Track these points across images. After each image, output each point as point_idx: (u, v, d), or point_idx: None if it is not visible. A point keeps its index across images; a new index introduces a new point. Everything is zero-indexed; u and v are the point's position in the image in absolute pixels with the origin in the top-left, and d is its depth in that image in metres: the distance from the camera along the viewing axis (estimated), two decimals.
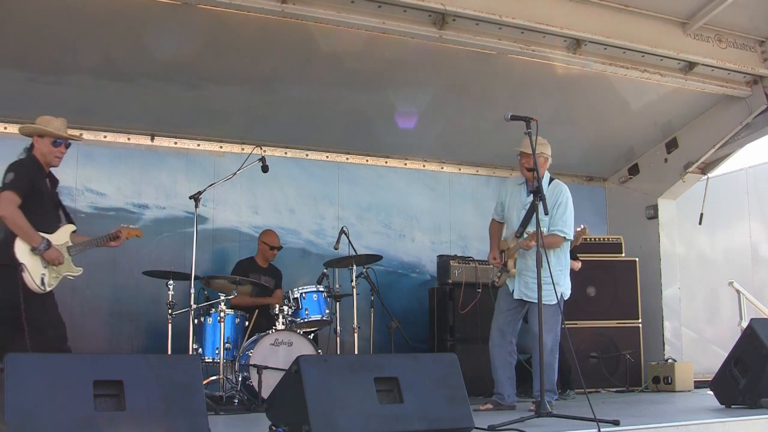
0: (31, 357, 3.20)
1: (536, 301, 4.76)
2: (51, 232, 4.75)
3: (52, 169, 5.00)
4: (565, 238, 5.34)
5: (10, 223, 4.56)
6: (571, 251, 5.66)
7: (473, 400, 4.05)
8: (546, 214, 4.80)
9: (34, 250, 4.57)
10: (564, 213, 5.35)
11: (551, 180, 5.49)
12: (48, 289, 4.66)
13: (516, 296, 5.38)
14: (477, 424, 3.80)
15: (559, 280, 5.29)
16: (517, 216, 5.43)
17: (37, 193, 4.70)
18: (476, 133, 7.67)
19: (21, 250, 4.57)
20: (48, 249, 4.62)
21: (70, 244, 4.88)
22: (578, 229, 6.04)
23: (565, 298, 5.46)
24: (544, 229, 5.08)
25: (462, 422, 3.70)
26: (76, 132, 6.70)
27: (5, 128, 6.55)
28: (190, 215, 6.15)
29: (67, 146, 4.93)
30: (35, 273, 4.59)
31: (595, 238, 7.69)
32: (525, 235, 5.24)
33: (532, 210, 5.11)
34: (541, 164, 5.24)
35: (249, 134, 7.20)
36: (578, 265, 6.79)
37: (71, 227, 4.95)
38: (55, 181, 4.99)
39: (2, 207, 4.56)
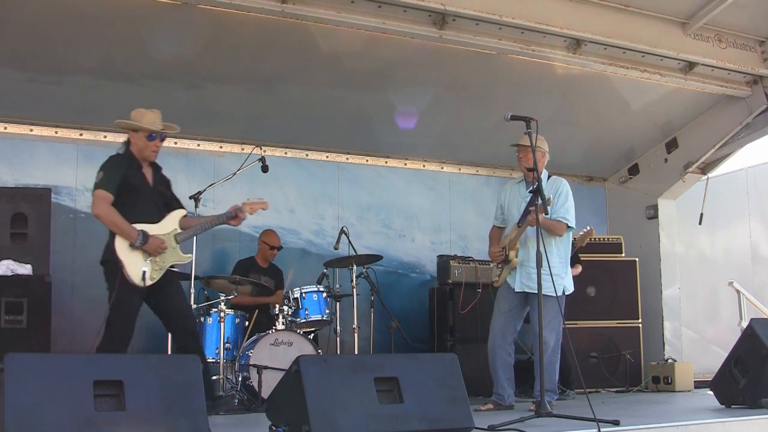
0: (31, 357, 3.19)
1: (535, 291, 4.74)
2: (155, 222, 4.69)
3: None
4: (567, 225, 5.33)
5: (106, 221, 4.57)
6: (572, 255, 5.65)
7: (473, 400, 4.05)
8: (546, 214, 4.82)
9: (131, 245, 4.54)
10: (566, 202, 5.37)
11: (549, 177, 5.51)
12: (150, 282, 4.59)
13: (518, 289, 5.33)
14: (477, 424, 3.80)
15: (560, 272, 5.29)
16: (518, 210, 5.43)
17: (131, 187, 4.65)
18: (476, 133, 7.67)
19: (120, 247, 4.55)
20: (146, 242, 4.56)
21: (179, 230, 4.79)
22: (583, 231, 6.03)
23: (567, 293, 5.43)
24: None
25: (462, 422, 3.70)
26: (75, 132, 6.79)
27: (5, 128, 6.56)
28: (191, 215, 6.15)
29: (163, 139, 4.84)
30: (135, 268, 4.55)
31: (595, 238, 7.67)
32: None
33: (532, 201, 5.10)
34: (538, 160, 5.25)
35: (249, 134, 7.20)
36: (579, 269, 6.78)
37: (180, 212, 4.87)
38: (157, 168, 4.92)
39: (96, 206, 4.58)
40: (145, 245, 4.55)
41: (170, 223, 4.78)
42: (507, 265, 5.42)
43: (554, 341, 5.26)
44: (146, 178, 4.80)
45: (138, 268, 4.55)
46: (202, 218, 5.03)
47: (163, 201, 4.86)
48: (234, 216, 4.94)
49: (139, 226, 4.59)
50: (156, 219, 4.72)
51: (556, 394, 5.41)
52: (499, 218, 5.68)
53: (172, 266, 4.72)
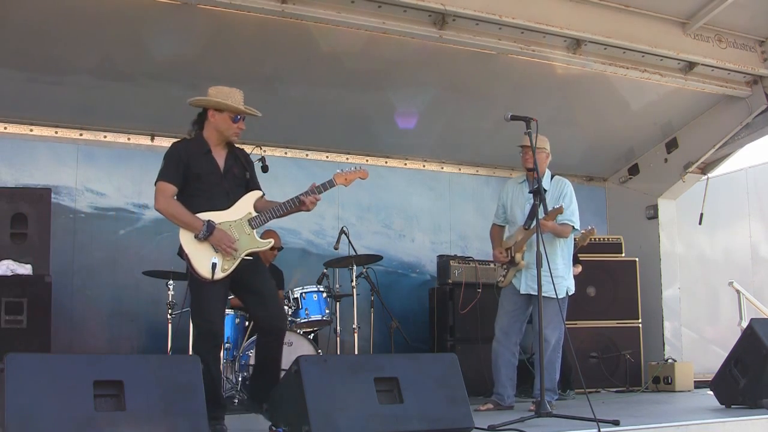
0: (31, 357, 3.20)
1: (544, 294, 4.75)
2: (224, 209, 4.21)
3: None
4: (573, 227, 5.40)
5: (166, 215, 4.17)
6: (573, 255, 5.68)
7: (473, 400, 4.06)
8: (546, 213, 4.83)
9: (196, 237, 4.09)
10: (570, 204, 5.42)
11: (552, 176, 5.53)
12: (222, 275, 4.11)
13: (523, 291, 5.37)
14: (477, 424, 3.80)
15: (563, 273, 5.37)
16: (522, 212, 5.48)
17: (194, 175, 4.20)
18: (476, 133, 7.67)
19: (185, 240, 4.13)
20: (210, 234, 4.08)
21: (254, 215, 4.27)
22: (584, 230, 6.02)
23: (570, 293, 5.49)
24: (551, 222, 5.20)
25: (462, 422, 3.70)
26: (75, 132, 6.79)
27: (5, 128, 6.56)
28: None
29: (243, 119, 4.40)
30: (202, 260, 4.10)
31: (595, 238, 7.68)
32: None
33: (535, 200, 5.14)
34: (542, 160, 5.31)
35: (249, 134, 7.10)
36: (578, 269, 6.79)
37: (255, 194, 4.35)
38: (232, 148, 4.43)
39: (155, 201, 4.19)
40: (210, 237, 4.09)
41: (243, 207, 4.27)
42: (513, 267, 5.44)
43: (555, 340, 5.28)
44: (215, 163, 4.30)
45: (206, 260, 4.09)
46: (272, 202, 4.42)
47: (239, 183, 4.35)
48: (303, 202, 4.39)
49: (204, 215, 4.14)
50: (226, 205, 4.23)
51: (556, 394, 5.42)
52: (500, 217, 5.70)
53: (248, 255, 4.21)
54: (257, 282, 4.28)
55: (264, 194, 4.45)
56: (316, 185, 4.47)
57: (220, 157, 4.35)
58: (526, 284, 5.37)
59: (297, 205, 4.40)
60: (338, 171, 4.54)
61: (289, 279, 7.00)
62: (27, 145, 6.61)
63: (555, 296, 4.81)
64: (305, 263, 7.36)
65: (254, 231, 4.28)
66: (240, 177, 4.38)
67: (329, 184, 4.51)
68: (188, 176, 4.23)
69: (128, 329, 6.76)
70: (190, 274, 4.18)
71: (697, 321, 8.87)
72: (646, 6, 6.45)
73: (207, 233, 4.09)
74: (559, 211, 5.18)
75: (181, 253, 4.23)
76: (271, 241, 4.43)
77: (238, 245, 4.17)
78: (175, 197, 4.23)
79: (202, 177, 4.24)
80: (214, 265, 4.10)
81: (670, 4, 6.52)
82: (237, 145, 4.54)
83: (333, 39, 5.90)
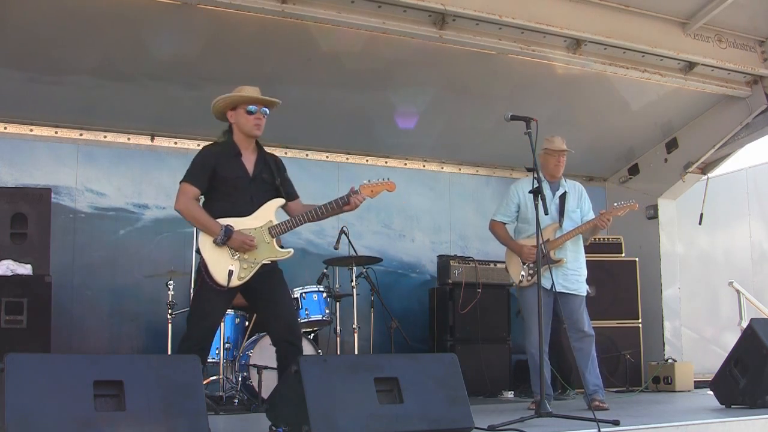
0: (31, 357, 3.19)
1: (574, 292, 5.27)
2: (247, 215, 4.19)
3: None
4: None
5: (186, 217, 4.16)
6: None
7: (473, 400, 4.06)
8: (546, 213, 4.86)
9: (214, 242, 4.06)
10: (590, 205, 5.74)
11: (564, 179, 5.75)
12: (238, 282, 4.11)
13: (557, 289, 5.36)
14: (477, 424, 3.80)
15: (585, 272, 5.64)
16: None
17: (221, 178, 4.19)
18: (476, 133, 7.67)
19: (204, 244, 4.11)
20: (228, 238, 4.06)
21: (274, 223, 4.25)
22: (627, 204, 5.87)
23: None
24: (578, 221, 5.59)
25: (462, 422, 3.70)
26: (75, 132, 6.79)
27: (5, 128, 6.56)
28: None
29: (265, 114, 4.31)
30: (219, 267, 4.08)
31: (595, 238, 7.68)
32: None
33: (563, 202, 5.53)
34: (564, 162, 5.64)
35: None
36: None
37: (276, 202, 4.31)
38: (262, 153, 4.39)
39: (176, 201, 4.16)
40: (228, 241, 4.07)
41: (264, 214, 4.25)
42: (552, 264, 5.42)
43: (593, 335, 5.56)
44: (244, 167, 4.27)
45: (224, 267, 4.08)
46: (308, 206, 4.39)
47: (267, 189, 4.33)
48: (347, 201, 4.33)
49: (225, 221, 4.11)
50: (249, 211, 4.21)
51: (603, 390, 5.44)
52: (510, 216, 5.68)
53: (266, 263, 4.21)
54: (271, 291, 4.27)
55: (298, 198, 4.46)
56: (344, 196, 4.41)
57: (249, 161, 4.31)
58: (557, 282, 5.36)
59: (317, 215, 4.36)
60: (365, 182, 4.46)
61: (288, 279, 6.99)
62: (27, 145, 6.61)
63: (585, 294, 5.39)
64: (305, 263, 7.35)
65: (274, 240, 4.26)
66: (269, 183, 4.34)
67: (352, 195, 4.42)
68: (216, 180, 4.20)
69: (128, 329, 6.76)
70: (201, 277, 4.13)
71: (697, 321, 8.86)
72: (646, 6, 6.45)
73: (225, 238, 4.07)
74: (633, 207, 5.58)
75: (197, 252, 4.20)
76: (291, 251, 4.36)
77: (257, 252, 4.16)
78: (200, 201, 4.21)
79: (229, 181, 4.21)
80: (230, 273, 4.08)
81: (670, 4, 6.53)
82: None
83: (333, 39, 5.91)
